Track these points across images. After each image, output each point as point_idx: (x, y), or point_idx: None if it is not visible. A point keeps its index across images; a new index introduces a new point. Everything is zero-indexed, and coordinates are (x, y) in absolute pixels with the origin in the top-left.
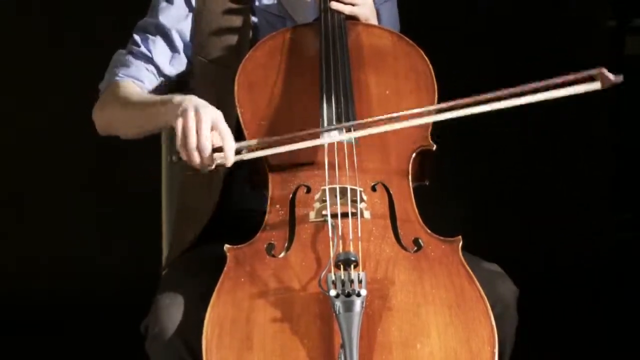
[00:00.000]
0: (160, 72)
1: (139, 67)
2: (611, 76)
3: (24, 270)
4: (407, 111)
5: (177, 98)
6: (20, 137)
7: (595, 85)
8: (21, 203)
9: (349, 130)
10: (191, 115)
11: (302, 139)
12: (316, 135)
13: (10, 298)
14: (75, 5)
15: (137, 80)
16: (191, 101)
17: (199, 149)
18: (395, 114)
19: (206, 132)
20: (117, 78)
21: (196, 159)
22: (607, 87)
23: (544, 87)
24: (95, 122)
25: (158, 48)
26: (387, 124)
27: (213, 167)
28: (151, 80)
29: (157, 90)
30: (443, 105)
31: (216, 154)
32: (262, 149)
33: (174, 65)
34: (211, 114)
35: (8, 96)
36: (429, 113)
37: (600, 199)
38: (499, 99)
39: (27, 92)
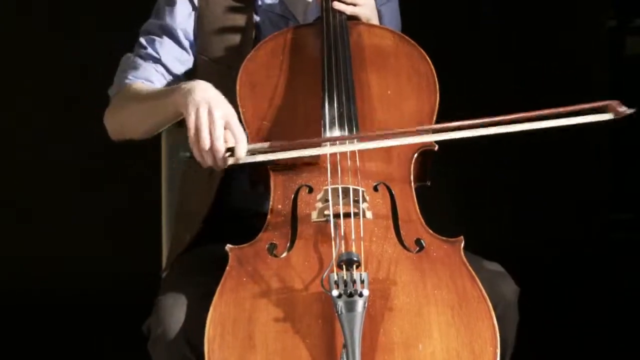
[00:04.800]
0: (169, 71)
1: (147, 69)
2: (622, 108)
3: (24, 271)
4: (409, 128)
5: (185, 85)
6: (20, 136)
7: (607, 116)
8: (21, 203)
9: (352, 141)
10: (204, 114)
11: (310, 146)
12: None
13: (10, 298)
14: (76, 4)
15: (146, 81)
16: (203, 94)
17: (212, 150)
18: (398, 130)
19: (219, 134)
20: (127, 81)
21: (209, 160)
22: (619, 117)
23: (552, 115)
24: (108, 128)
25: (165, 48)
26: (388, 138)
27: (225, 166)
28: (160, 80)
29: None
30: (448, 125)
31: (227, 154)
32: (271, 152)
33: (183, 63)
34: (224, 112)
35: (8, 96)
36: (429, 132)
37: (601, 199)
38: (502, 123)
39: (27, 91)
